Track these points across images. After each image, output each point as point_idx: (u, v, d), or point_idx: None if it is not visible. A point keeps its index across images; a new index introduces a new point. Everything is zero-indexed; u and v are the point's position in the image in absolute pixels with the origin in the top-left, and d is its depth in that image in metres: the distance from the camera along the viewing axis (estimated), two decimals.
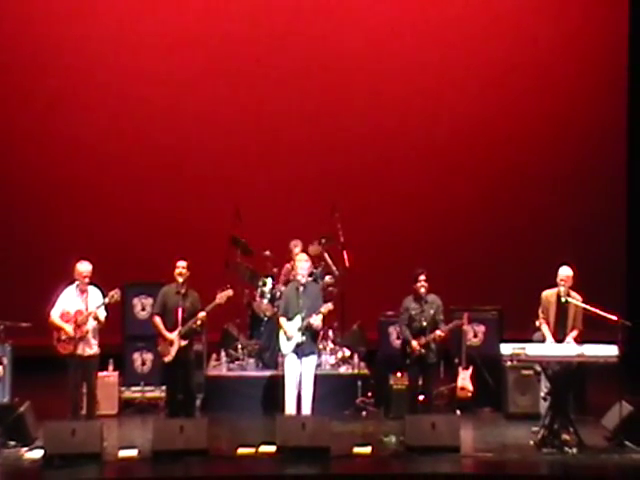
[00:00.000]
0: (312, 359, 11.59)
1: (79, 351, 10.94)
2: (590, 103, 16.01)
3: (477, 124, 15.95)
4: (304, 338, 11.42)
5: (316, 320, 11.44)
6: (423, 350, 11.29)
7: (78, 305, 11.01)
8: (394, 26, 15.85)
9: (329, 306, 11.63)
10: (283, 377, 11.64)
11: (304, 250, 12.81)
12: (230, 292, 11.60)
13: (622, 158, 16.11)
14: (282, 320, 11.58)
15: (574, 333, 11.13)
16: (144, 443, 10.70)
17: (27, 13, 15.62)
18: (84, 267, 11.07)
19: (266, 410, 12.32)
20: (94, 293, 11.09)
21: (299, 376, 11.48)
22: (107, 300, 11.00)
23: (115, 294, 11.02)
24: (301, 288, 11.56)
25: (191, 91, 15.69)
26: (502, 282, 15.28)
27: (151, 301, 12.64)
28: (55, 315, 11.03)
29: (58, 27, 15.63)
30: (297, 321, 11.44)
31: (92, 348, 11.07)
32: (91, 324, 11.00)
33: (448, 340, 11.98)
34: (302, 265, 11.67)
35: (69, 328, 10.90)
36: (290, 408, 11.46)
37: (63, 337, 10.95)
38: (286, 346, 11.52)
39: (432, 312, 11.38)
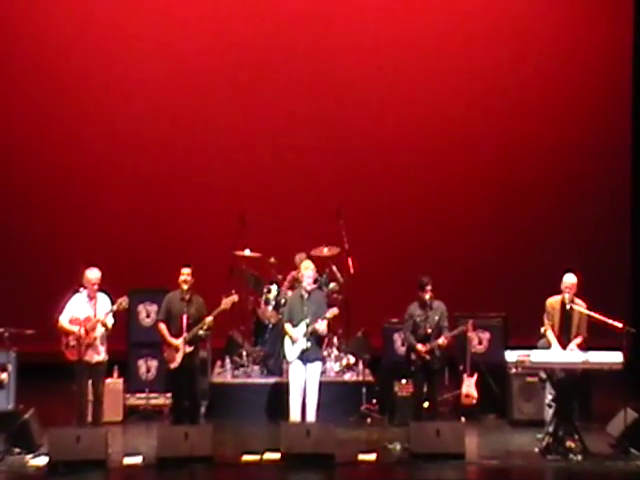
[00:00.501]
0: (317, 365, 11.61)
1: (87, 357, 10.97)
2: (594, 112, 15.98)
3: (481, 132, 15.93)
4: (309, 344, 11.44)
5: (321, 325, 11.47)
6: (428, 356, 11.30)
7: (87, 311, 11.05)
8: (399, 32, 15.83)
9: (334, 311, 11.66)
10: (287, 384, 11.65)
11: (309, 257, 12.83)
12: (235, 297, 11.61)
13: (626, 165, 16.08)
14: (287, 326, 11.59)
15: (578, 340, 11.10)
16: (149, 450, 10.71)
17: (29, 15, 15.62)
18: (93, 274, 11.11)
19: (270, 417, 12.32)
20: (103, 300, 11.13)
21: (304, 383, 11.49)
22: (115, 307, 11.04)
23: (123, 301, 11.06)
24: (305, 295, 11.59)
25: (196, 97, 15.68)
26: (507, 289, 15.26)
27: (156, 308, 12.66)
28: (64, 321, 11.07)
29: (61, 29, 15.61)
30: (302, 328, 11.46)
31: (100, 355, 11.10)
32: (99, 331, 11.03)
33: (453, 347, 11.98)
34: (307, 273, 11.70)
35: (78, 330, 10.92)
36: (295, 415, 11.47)
37: (72, 343, 10.98)
38: (291, 353, 11.53)
39: (437, 318, 11.38)
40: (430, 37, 15.93)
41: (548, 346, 11.14)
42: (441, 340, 11.31)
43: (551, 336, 11.17)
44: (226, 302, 11.48)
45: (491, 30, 15.92)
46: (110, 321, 11.07)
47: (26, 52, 15.63)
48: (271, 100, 15.72)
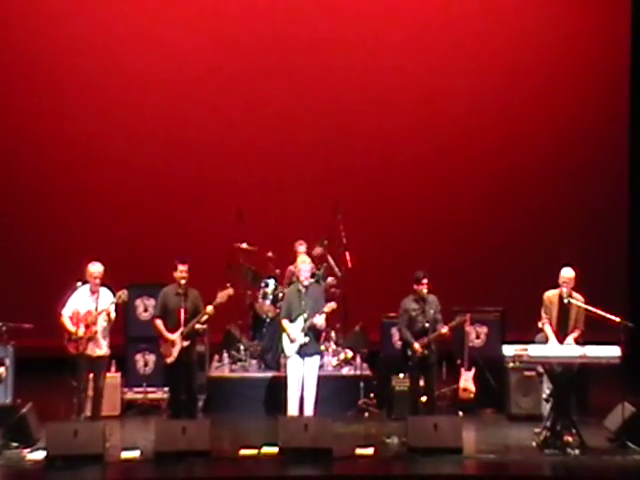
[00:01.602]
0: (315, 359, 11.62)
1: (88, 351, 10.97)
2: (592, 106, 16.01)
3: (479, 126, 15.94)
4: (307, 339, 11.44)
5: (319, 320, 11.47)
6: (426, 351, 11.31)
7: (89, 305, 11.05)
8: (397, 28, 15.84)
9: (332, 305, 11.67)
10: (285, 378, 11.65)
11: (307, 252, 12.84)
12: (231, 291, 11.60)
13: (624, 159, 16.11)
14: (285, 322, 11.59)
15: (575, 334, 11.09)
16: (146, 444, 10.69)
17: (29, 15, 15.61)
18: (95, 268, 11.12)
19: (268, 411, 12.33)
20: (105, 294, 11.14)
21: (302, 377, 11.49)
22: (115, 300, 11.04)
23: (122, 294, 11.08)
24: (303, 290, 11.59)
25: (193, 93, 15.69)
26: (504, 283, 15.27)
27: (153, 302, 12.64)
28: (66, 314, 11.08)
29: (61, 28, 15.63)
30: (300, 322, 11.46)
31: (102, 348, 11.11)
32: (101, 325, 11.04)
33: (450, 341, 11.98)
34: (304, 267, 11.71)
35: (75, 330, 10.93)
36: (292, 409, 11.47)
37: (73, 336, 10.98)
38: (289, 348, 11.53)
39: (432, 312, 11.39)
40: (429, 33, 15.93)
41: (546, 340, 11.15)
42: (444, 329, 11.30)
43: (549, 330, 11.17)
44: (222, 295, 11.47)
45: (489, 27, 15.93)
46: (112, 313, 11.09)
47: (27, 49, 15.61)
48: (269, 95, 15.72)
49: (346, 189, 15.24)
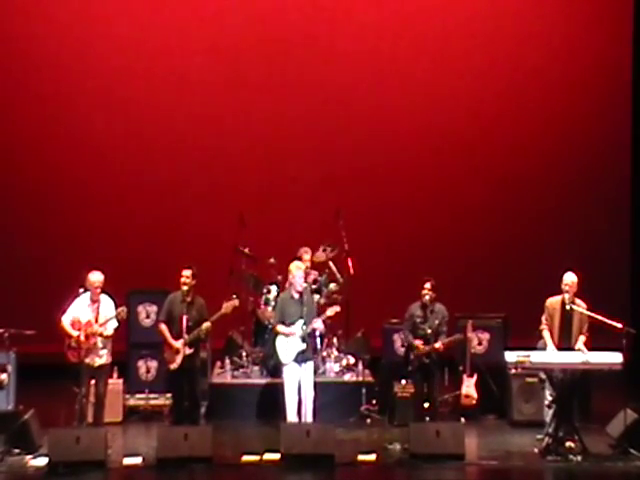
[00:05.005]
0: (310, 364, 11.59)
1: (88, 360, 10.98)
2: (593, 112, 15.96)
3: (481, 132, 15.91)
4: (304, 345, 11.42)
5: (319, 324, 11.46)
6: (426, 354, 11.31)
7: (88, 315, 11.05)
8: (398, 30, 15.81)
9: (336, 308, 11.67)
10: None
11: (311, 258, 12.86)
12: (236, 302, 11.60)
13: (626, 164, 16.07)
14: (280, 327, 11.55)
15: (583, 338, 11.05)
16: (148, 451, 10.72)
17: (28, 15, 15.61)
18: (95, 277, 11.12)
19: (270, 417, 12.29)
20: (106, 303, 11.15)
21: (299, 383, 11.46)
22: (114, 316, 11.05)
23: (122, 312, 11.09)
24: (297, 296, 11.53)
25: (195, 99, 15.67)
26: (507, 289, 15.25)
27: (155, 308, 12.69)
28: (65, 321, 11.08)
29: (63, 29, 15.61)
30: (296, 327, 11.41)
31: (102, 358, 11.10)
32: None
33: (453, 348, 11.98)
34: (299, 274, 11.64)
35: (77, 335, 10.93)
36: (291, 415, 11.44)
37: (73, 344, 10.98)
38: (285, 355, 11.49)
39: (437, 322, 11.40)
40: (429, 37, 15.90)
41: (545, 347, 11.13)
42: (437, 344, 11.35)
43: (547, 336, 11.15)
44: (227, 306, 11.47)
45: (491, 30, 15.89)
46: (113, 325, 11.09)
47: (29, 54, 15.60)
48: (271, 100, 15.70)
49: (348, 195, 15.24)
